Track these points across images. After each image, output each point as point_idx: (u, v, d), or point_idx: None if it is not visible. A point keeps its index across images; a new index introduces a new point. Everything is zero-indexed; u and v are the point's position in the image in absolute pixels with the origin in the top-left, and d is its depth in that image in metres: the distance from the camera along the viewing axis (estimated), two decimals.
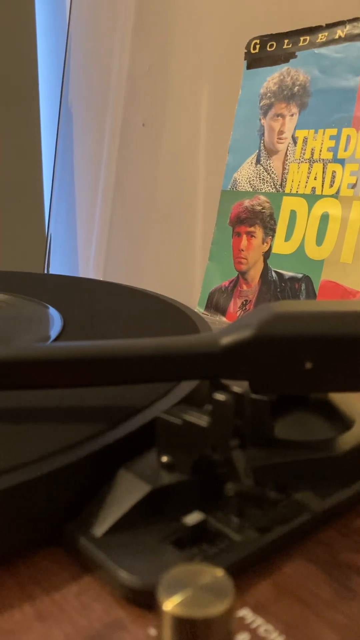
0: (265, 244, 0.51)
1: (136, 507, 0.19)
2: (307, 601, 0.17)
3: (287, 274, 0.49)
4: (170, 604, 0.13)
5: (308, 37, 0.50)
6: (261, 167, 0.52)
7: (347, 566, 0.18)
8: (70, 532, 0.19)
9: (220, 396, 0.19)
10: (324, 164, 0.48)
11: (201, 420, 0.19)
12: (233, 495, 0.19)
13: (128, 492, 0.19)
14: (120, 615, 0.16)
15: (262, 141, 0.52)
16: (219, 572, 0.14)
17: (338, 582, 0.18)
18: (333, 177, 0.47)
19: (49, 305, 0.37)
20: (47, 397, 0.23)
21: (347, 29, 0.47)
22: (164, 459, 0.20)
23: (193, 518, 0.18)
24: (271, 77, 0.52)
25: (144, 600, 0.16)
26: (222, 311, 0.53)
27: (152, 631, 0.16)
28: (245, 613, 0.16)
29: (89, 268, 0.86)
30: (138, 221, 0.77)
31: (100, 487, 0.20)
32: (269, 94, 0.52)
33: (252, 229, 0.52)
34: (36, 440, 0.20)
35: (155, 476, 0.19)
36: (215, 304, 0.54)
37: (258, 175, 0.52)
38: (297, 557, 0.19)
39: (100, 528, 0.18)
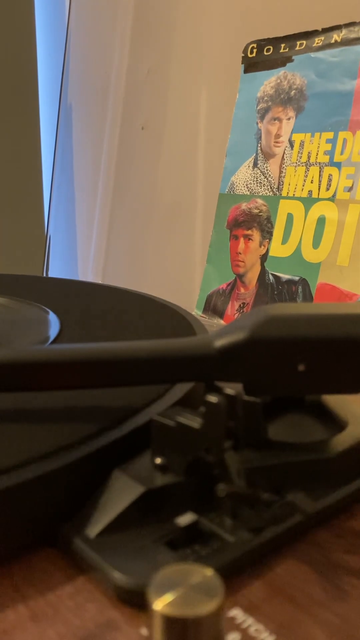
0: (262, 247, 0.51)
1: (130, 508, 0.19)
2: (299, 601, 0.17)
3: (284, 276, 0.49)
4: (160, 604, 0.13)
5: (304, 42, 0.50)
6: (258, 171, 0.52)
7: (339, 567, 0.19)
8: (64, 533, 0.19)
9: (212, 398, 0.19)
10: (320, 168, 0.48)
11: (194, 422, 0.19)
12: (226, 497, 0.19)
13: (122, 493, 0.19)
14: (114, 615, 0.17)
15: (259, 145, 0.53)
16: (209, 572, 0.14)
17: (330, 582, 0.18)
18: (329, 180, 0.47)
19: (47, 308, 0.37)
20: (41, 398, 0.24)
21: (343, 33, 0.48)
22: (158, 460, 0.20)
23: (185, 519, 0.18)
24: (268, 81, 0.53)
25: (138, 601, 0.17)
26: (220, 314, 0.54)
27: (144, 631, 0.16)
28: (236, 613, 0.16)
29: (87, 271, 0.86)
30: (137, 224, 0.78)
31: (94, 488, 0.20)
32: (266, 98, 0.53)
33: (249, 232, 0.52)
34: (30, 441, 0.20)
35: (149, 477, 0.19)
36: (213, 306, 0.54)
37: (255, 179, 0.53)
38: (290, 558, 0.19)
39: (94, 529, 0.19)
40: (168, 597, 0.13)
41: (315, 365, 0.21)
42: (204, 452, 0.19)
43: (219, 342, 0.21)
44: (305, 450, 0.21)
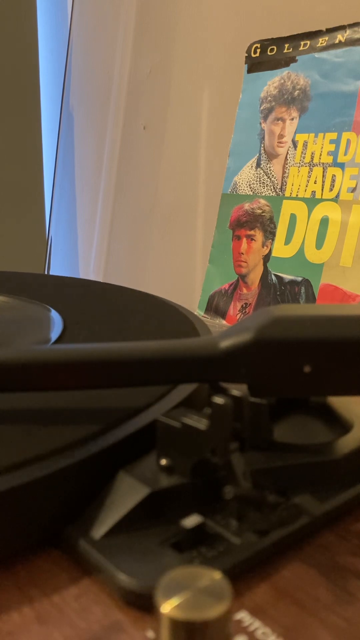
0: (265, 247, 0.51)
1: (135, 510, 0.19)
2: (305, 604, 0.17)
3: (287, 277, 0.49)
4: (168, 607, 0.13)
5: (308, 42, 0.50)
6: (261, 171, 0.52)
7: (345, 569, 0.18)
8: (69, 535, 0.19)
9: (219, 399, 0.19)
10: (323, 168, 0.48)
11: (200, 423, 0.19)
12: (232, 499, 0.19)
13: (127, 494, 0.19)
14: (120, 617, 0.16)
15: (262, 145, 0.53)
16: (217, 575, 0.14)
17: (337, 585, 0.18)
18: (333, 181, 0.47)
19: (50, 307, 0.37)
20: (45, 398, 0.23)
21: (348, 33, 0.48)
22: (163, 461, 0.20)
23: (191, 521, 0.18)
24: (272, 81, 0.52)
25: (143, 603, 0.16)
26: (222, 314, 0.54)
27: (150, 633, 0.16)
28: (243, 616, 0.16)
29: (89, 271, 0.86)
30: (139, 224, 0.77)
31: (99, 489, 0.20)
32: (269, 98, 0.52)
33: (252, 232, 0.52)
34: (34, 442, 0.20)
35: (155, 479, 0.19)
36: (215, 306, 0.54)
37: (258, 179, 0.52)
38: (296, 561, 0.19)
39: (100, 530, 0.18)
40: (175, 600, 0.13)
41: (320, 367, 0.21)
42: (209, 453, 0.19)
43: (225, 343, 0.21)
44: (311, 452, 0.21)
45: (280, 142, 0.51)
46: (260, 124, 0.53)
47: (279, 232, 0.50)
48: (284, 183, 0.50)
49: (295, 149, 0.50)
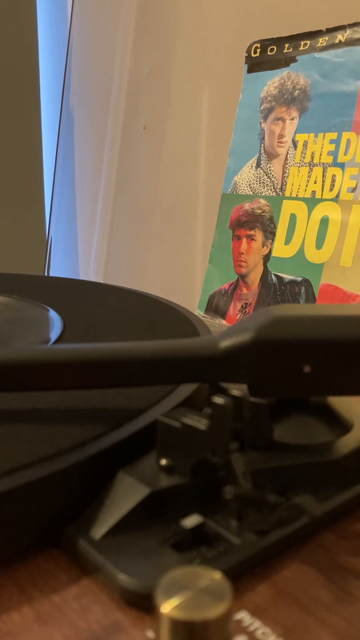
0: (265, 247, 0.51)
1: (135, 510, 0.19)
2: (305, 604, 0.17)
3: (287, 277, 0.49)
4: (168, 607, 0.13)
5: (309, 42, 0.50)
6: (261, 171, 0.52)
7: (345, 569, 0.18)
8: (69, 535, 0.19)
9: (219, 399, 0.19)
10: (324, 168, 0.48)
11: (200, 423, 0.19)
12: (232, 499, 0.19)
13: (127, 494, 0.19)
14: (120, 617, 0.16)
15: (262, 145, 0.53)
16: (217, 575, 0.14)
17: (337, 585, 0.18)
18: (333, 180, 0.47)
19: (49, 308, 0.37)
20: (46, 399, 0.23)
21: (348, 33, 0.48)
22: (164, 461, 0.20)
23: (191, 521, 0.18)
24: (272, 81, 0.52)
25: (143, 603, 0.16)
26: (222, 314, 0.54)
27: (150, 633, 0.16)
28: (243, 616, 0.16)
29: (89, 271, 0.86)
30: (138, 224, 0.77)
31: (99, 489, 0.20)
32: (269, 98, 0.52)
33: (252, 232, 0.52)
34: (34, 443, 0.20)
35: (155, 479, 0.19)
36: (215, 306, 0.54)
37: (258, 179, 0.52)
38: (296, 561, 0.19)
39: (100, 530, 0.18)
40: (175, 600, 0.13)
41: (320, 367, 0.21)
42: (209, 453, 0.19)
43: (224, 343, 0.21)
44: (311, 452, 0.21)
45: (280, 142, 0.51)
46: (260, 124, 0.53)
47: (279, 232, 0.50)
48: (284, 183, 0.50)
49: (295, 149, 0.50)
